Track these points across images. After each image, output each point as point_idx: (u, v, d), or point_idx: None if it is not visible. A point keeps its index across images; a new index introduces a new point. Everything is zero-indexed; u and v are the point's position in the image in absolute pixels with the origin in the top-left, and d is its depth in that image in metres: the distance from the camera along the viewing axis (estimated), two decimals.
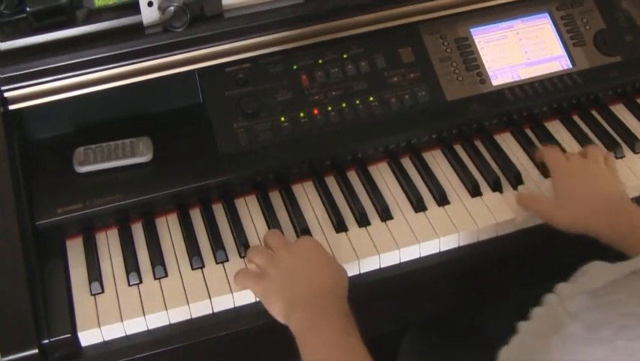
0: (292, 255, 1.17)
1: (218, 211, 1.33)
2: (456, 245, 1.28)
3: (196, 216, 1.33)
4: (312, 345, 1.07)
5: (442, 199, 1.33)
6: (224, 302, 1.20)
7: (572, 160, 1.32)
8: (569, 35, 1.52)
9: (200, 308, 1.19)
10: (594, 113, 1.51)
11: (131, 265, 1.24)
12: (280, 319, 1.12)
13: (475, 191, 1.34)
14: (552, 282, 1.11)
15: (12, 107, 1.30)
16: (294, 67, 1.42)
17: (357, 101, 1.40)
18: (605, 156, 1.35)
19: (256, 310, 1.19)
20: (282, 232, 1.27)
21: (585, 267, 0.82)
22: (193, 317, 1.19)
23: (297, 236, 1.28)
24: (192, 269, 1.24)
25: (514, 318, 0.83)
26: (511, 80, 1.47)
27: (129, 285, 1.22)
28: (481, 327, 0.93)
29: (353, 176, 1.38)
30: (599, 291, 0.76)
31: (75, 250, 1.27)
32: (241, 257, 1.25)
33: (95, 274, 1.23)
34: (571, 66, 1.50)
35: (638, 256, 0.79)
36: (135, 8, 1.35)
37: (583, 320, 0.75)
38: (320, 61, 1.43)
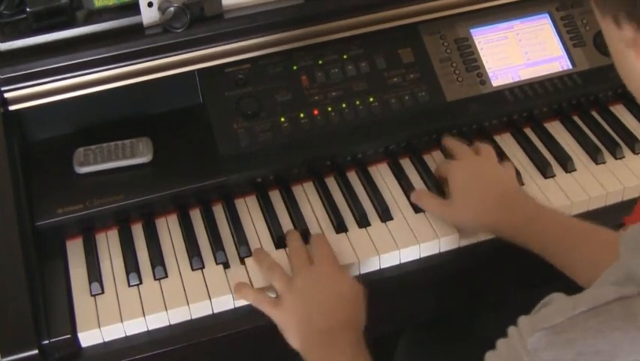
0: (311, 282, 1.17)
1: (218, 212, 1.33)
2: (456, 246, 1.28)
3: (196, 216, 1.33)
4: None
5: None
6: (224, 303, 1.20)
7: (465, 158, 1.33)
8: (569, 36, 1.52)
9: (200, 309, 1.19)
10: (594, 113, 1.51)
11: (131, 266, 1.24)
12: (296, 349, 1.13)
13: None
14: (552, 282, 1.11)
15: (12, 107, 1.30)
16: (294, 67, 1.42)
17: (357, 102, 1.40)
18: (502, 161, 1.35)
19: (256, 311, 1.19)
20: (282, 232, 1.28)
21: (547, 298, 0.82)
22: (193, 317, 1.19)
23: None
24: (192, 270, 1.24)
25: (512, 319, 0.83)
26: (512, 81, 1.47)
27: (129, 286, 1.22)
28: (479, 328, 0.93)
29: (353, 177, 1.38)
30: (557, 327, 0.75)
31: (75, 250, 1.27)
32: (241, 257, 1.25)
33: (95, 274, 1.23)
34: (571, 67, 1.50)
35: (593, 288, 0.78)
36: (135, 9, 1.35)
37: (541, 357, 0.75)
38: (320, 61, 1.42)
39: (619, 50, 0.81)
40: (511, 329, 0.81)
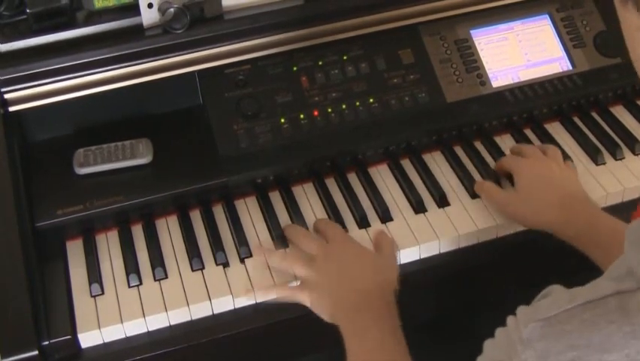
0: (332, 259, 1.19)
1: (218, 213, 1.33)
2: (456, 247, 1.28)
3: (196, 217, 1.33)
4: (356, 348, 1.09)
5: (442, 201, 1.33)
6: (224, 304, 1.20)
7: (533, 158, 1.33)
8: (569, 37, 1.52)
9: (200, 310, 1.19)
10: (594, 114, 1.51)
11: (131, 267, 1.24)
12: (327, 319, 1.14)
13: (475, 192, 1.34)
14: (552, 283, 1.11)
15: (12, 108, 1.30)
16: (294, 68, 1.42)
17: (357, 103, 1.40)
18: (566, 162, 1.36)
19: (256, 312, 1.19)
20: (282, 232, 1.28)
21: (546, 290, 0.82)
22: (193, 318, 1.19)
23: None
24: (192, 271, 1.24)
25: None
26: (511, 82, 1.47)
27: (129, 286, 1.22)
28: (479, 328, 0.93)
29: (353, 177, 1.38)
30: (552, 319, 0.75)
31: (75, 251, 1.27)
32: (241, 258, 1.25)
33: (95, 275, 1.23)
34: (571, 68, 1.50)
35: (593, 282, 0.78)
36: (135, 10, 1.35)
37: (535, 348, 0.75)
38: (320, 62, 1.43)
39: (637, 40, 0.81)
40: (509, 318, 0.81)
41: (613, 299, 0.73)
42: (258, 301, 1.20)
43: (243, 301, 1.20)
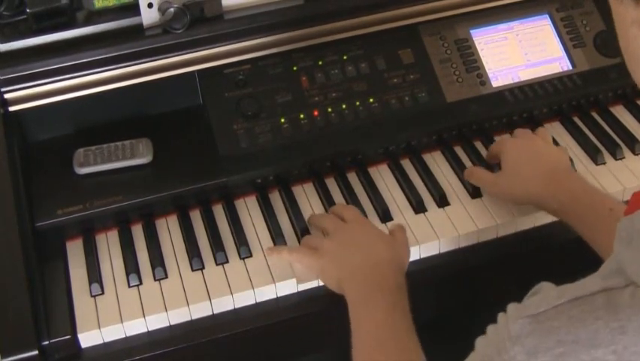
0: (350, 231, 1.21)
1: (218, 213, 1.33)
2: (456, 246, 1.28)
3: (196, 217, 1.33)
4: (362, 318, 1.10)
5: (442, 201, 1.33)
6: (224, 304, 1.20)
7: (519, 136, 1.35)
8: (569, 37, 1.52)
9: (200, 310, 1.19)
10: (594, 114, 1.51)
11: (131, 267, 1.24)
12: (334, 288, 1.16)
13: (475, 192, 1.34)
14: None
15: (12, 108, 1.31)
16: (294, 68, 1.42)
17: (357, 103, 1.40)
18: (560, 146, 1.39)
19: (256, 312, 1.19)
20: (282, 232, 1.28)
21: (535, 287, 0.83)
22: (193, 318, 1.19)
23: (298, 237, 1.28)
24: (192, 271, 1.24)
25: None
26: (511, 82, 1.47)
27: (129, 286, 1.22)
28: (479, 328, 0.93)
29: (353, 177, 1.38)
30: (540, 316, 0.75)
31: (75, 251, 1.28)
32: (241, 258, 1.25)
33: (95, 275, 1.23)
34: (571, 68, 1.50)
35: (583, 279, 0.79)
36: (135, 10, 1.35)
37: (523, 344, 0.75)
38: (320, 62, 1.43)
39: (631, 35, 0.80)
40: (500, 315, 0.82)
41: (600, 296, 0.73)
42: (237, 305, 1.21)
43: (243, 302, 1.20)
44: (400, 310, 1.10)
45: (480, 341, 0.84)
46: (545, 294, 0.78)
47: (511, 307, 0.80)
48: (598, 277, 0.77)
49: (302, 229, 1.28)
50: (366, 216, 1.29)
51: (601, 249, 1.15)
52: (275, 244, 1.27)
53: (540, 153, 1.30)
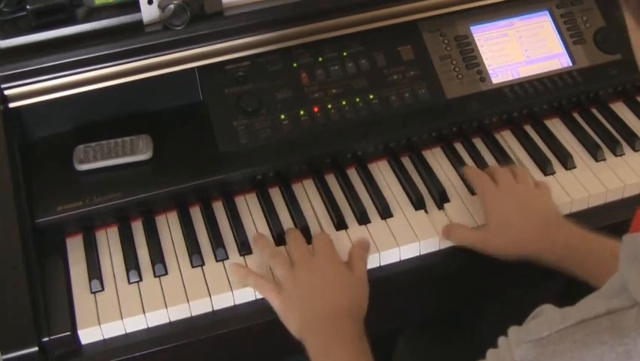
0: (312, 272, 1.17)
1: (218, 209, 1.33)
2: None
3: (196, 214, 1.33)
4: None
5: (441, 197, 1.33)
6: (224, 300, 1.20)
7: (501, 184, 1.28)
8: (569, 33, 1.52)
9: (200, 306, 1.19)
10: (594, 111, 1.51)
11: (131, 263, 1.24)
12: (296, 336, 1.13)
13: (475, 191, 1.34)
14: (551, 281, 1.11)
15: (12, 105, 1.30)
16: (294, 65, 1.41)
17: (357, 99, 1.40)
18: (537, 182, 1.32)
19: (256, 309, 1.19)
20: (282, 229, 1.28)
21: (537, 310, 0.81)
22: (193, 314, 1.19)
23: None
24: (192, 267, 1.24)
25: (513, 317, 0.83)
26: (511, 78, 1.47)
27: (129, 283, 1.22)
28: (479, 326, 0.92)
29: (353, 174, 1.38)
30: (544, 340, 0.75)
31: (75, 248, 1.28)
32: (241, 255, 1.25)
33: (95, 272, 1.23)
34: (571, 64, 1.50)
35: (585, 300, 0.78)
36: (135, 6, 1.35)
37: None
38: (320, 59, 1.42)
39: None
40: (500, 340, 0.81)
41: (605, 319, 0.73)
42: (237, 301, 1.20)
43: (244, 298, 1.20)
44: (358, 354, 1.08)
45: None
46: (548, 317, 0.77)
47: (513, 330, 0.80)
48: (601, 297, 0.76)
49: (302, 226, 1.28)
50: (366, 214, 1.29)
51: None
52: (275, 240, 1.27)
53: (527, 204, 1.25)
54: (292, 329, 1.14)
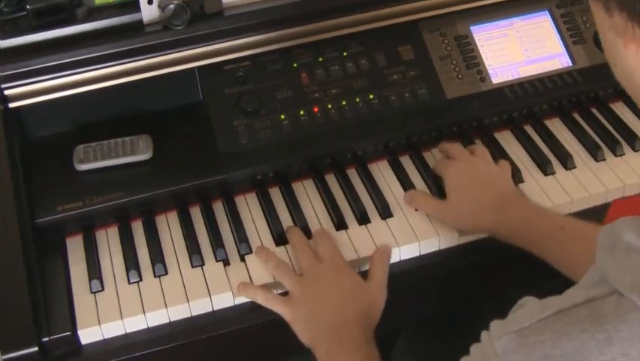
0: (320, 282, 1.18)
1: (219, 209, 1.33)
2: (456, 243, 1.28)
3: (196, 214, 1.33)
4: None
5: (442, 197, 1.33)
6: (224, 300, 1.20)
7: (460, 159, 1.32)
8: (569, 33, 1.52)
9: (200, 306, 1.19)
10: (594, 111, 1.51)
11: (131, 263, 1.24)
12: (305, 342, 1.14)
13: None
14: (552, 279, 1.11)
15: (12, 104, 1.30)
16: (294, 65, 1.42)
17: (357, 99, 1.40)
18: (498, 161, 1.35)
19: (256, 308, 1.19)
20: (282, 229, 1.28)
21: (519, 302, 0.82)
22: (193, 314, 1.19)
23: None
24: (192, 267, 1.24)
25: None
26: (511, 78, 1.47)
27: (129, 283, 1.22)
28: (479, 326, 0.93)
29: (353, 174, 1.38)
30: (525, 330, 0.75)
31: (75, 247, 1.28)
32: (241, 255, 1.25)
33: (95, 272, 1.23)
34: (571, 64, 1.50)
35: (566, 291, 0.78)
36: (135, 6, 1.35)
37: (509, 360, 0.75)
38: (320, 59, 1.42)
39: (608, 39, 0.81)
40: (483, 334, 0.81)
41: (584, 307, 0.73)
42: (237, 301, 1.20)
43: (244, 298, 1.20)
44: None
45: None
46: (529, 308, 0.78)
47: (494, 324, 0.80)
48: (581, 288, 0.77)
49: (302, 226, 1.28)
50: (366, 214, 1.29)
51: (558, 263, 1.15)
52: (275, 240, 1.27)
53: (483, 177, 1.28)
54: (302, 338, 1.14)
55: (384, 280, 1.20)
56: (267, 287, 1.20)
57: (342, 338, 1.11)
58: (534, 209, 1.23)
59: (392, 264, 1.25)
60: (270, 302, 1.18)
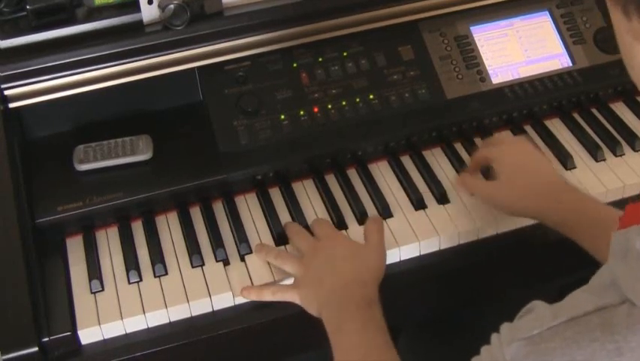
0: (320, 255, 1.20)
1: (219, 209, 1.33)
2: (456, 243, 1.28)
3: (196, 214, 1.33)
4: (338, 344, 1.09)
5: (442, 197, 1.33)
6: (224, 300, 1.20)
7: (508, 143, 1.33)
8: (569, 33, 1.52)
9: (200, 306, 1.19)
10: (594, 111, 1.50)
11: (131, 263, 1.24)
12: (315, 315, 1.15)
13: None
14: (550, 282, 1.11)
15: (12, 105, 1.31)
16: (294, 65, 1.42)
17: (357, 99, 1.40)
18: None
19: (256, 308, 1.19)
20: (282, 229, 1.28)
21: (529, 306, 0.82)
22: (193, 315, 1.19)
23: None
24: (192, 267, 1.24)
25: (511, 318, 0.83)
26: (511, 78, 1.47)
27: (129, 283, 1.22)
28: (479, 325, 0.92)
29: (353, 174, 1.38)
30: (535, 338, 0.75)
31: (75, 248, 1.28)
32: (241, 255, 1.25)
33: (95, 272, 1.23)
34: (571, 64, 1.50)
35: (575, 294, 0.78)
36: (135, 6, 1.35)
37: None
38: (320, 59, 1.42)
39: (626, 42, 0.80)
40: (493, 337, 0.81)
41: (595, 316, 0.73)
42: (237, 301, 1.21)
43: (244, 298, 1.20)
44: (372, 327, 1.09)
45: None
46: (539, 314, 0.78)
47: (505, 327, 0.80)
48: (591, 293, 0.76)
49: (302, 227, 1.28)
50: (366, 214, 1.29)
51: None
52: (275, 240, 1.27)
53: (536, 162, 1.28)
54: (313, 311, 1.15)
55: (380, 241, 1.22)
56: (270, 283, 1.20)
57: (344, 301, 1.12)
58: (587, 201, 1.22)
59: (392, 264, 1.25)
60: (278, 294, 1.19)
